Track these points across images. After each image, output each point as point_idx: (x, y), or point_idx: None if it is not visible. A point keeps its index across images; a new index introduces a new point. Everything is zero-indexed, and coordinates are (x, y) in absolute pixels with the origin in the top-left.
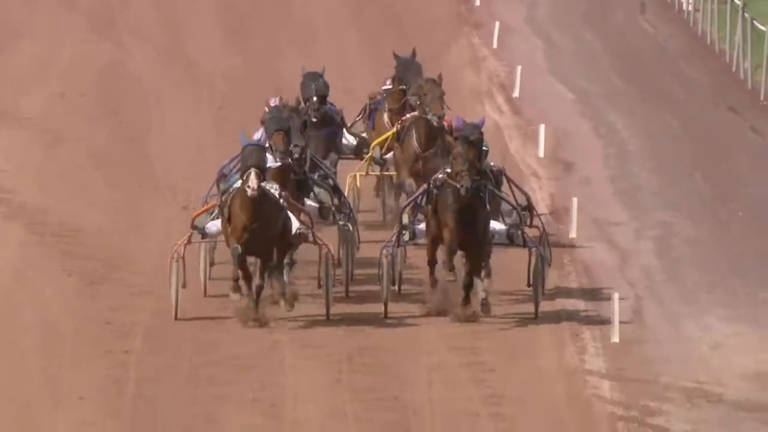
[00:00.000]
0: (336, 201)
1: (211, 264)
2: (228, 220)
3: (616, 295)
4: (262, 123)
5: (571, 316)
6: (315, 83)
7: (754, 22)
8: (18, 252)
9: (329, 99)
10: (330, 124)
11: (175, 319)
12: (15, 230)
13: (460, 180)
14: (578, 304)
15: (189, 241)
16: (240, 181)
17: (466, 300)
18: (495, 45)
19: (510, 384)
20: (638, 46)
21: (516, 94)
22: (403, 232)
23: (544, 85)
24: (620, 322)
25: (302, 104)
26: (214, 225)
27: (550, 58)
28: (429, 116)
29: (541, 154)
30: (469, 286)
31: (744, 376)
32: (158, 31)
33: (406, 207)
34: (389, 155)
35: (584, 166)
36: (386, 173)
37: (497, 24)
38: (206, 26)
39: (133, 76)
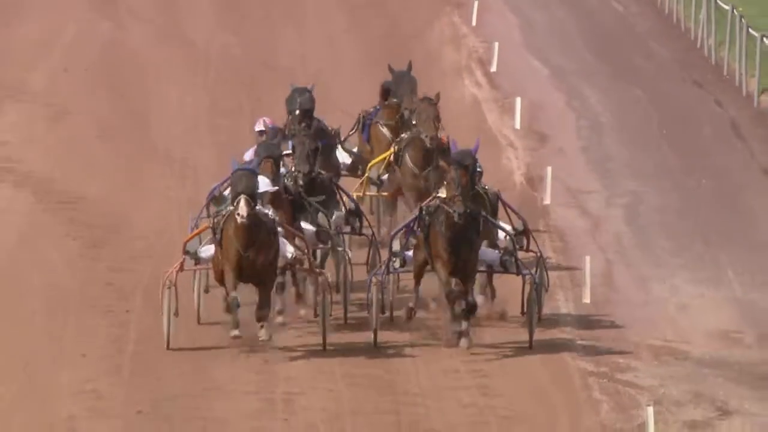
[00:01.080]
0: (357, 223)
1: (206, 290)
2: (220, 244)
3: (587, 259)
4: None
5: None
6: (300, 97)
7: (718, 1)
8: (25, 218)
9: (322, 116)
10: (321, 138)
11: (167, 348)
12: (22, 198)
13: (453, 205)
14: (549, 265)
15: (182, 268)
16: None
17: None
18: (474, 23)
19: (486, 342)
20: (609, 25)
21: (494, 69)
22: (393, 259)
23: (520, 61)
24: (591, 284)
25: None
26: (208, 250)
27: (526, 35)
28: (423, 136)
29: (518, 125)
30: (466, 311)
31: (708, 334)
32: (156, 10)
33: (397, 233)
34: (386, 176)
35: (558, 137)
36: (384, 194)
37: (476, 3)
38: (202, 5)
39: (133, 52)
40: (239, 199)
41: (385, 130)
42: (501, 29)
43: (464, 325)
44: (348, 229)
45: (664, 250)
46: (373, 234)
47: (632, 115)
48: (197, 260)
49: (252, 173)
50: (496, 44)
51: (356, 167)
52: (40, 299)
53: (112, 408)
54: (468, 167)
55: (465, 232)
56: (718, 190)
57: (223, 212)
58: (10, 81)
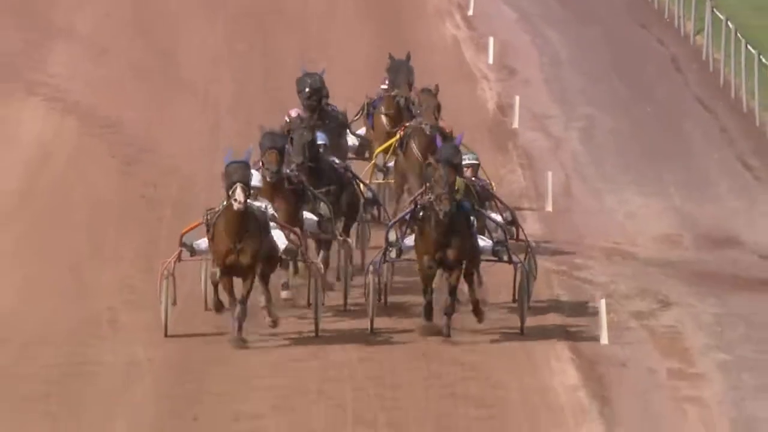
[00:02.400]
0: (375, 212)
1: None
2: (212, 239)
3: (549, 174)
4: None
5: (514, 188)
6: (311, 79)
7: None
8: (71, 140)
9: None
10: (331, 122)
11: (165, 336)
12: (70, 123)
13: (439, 204)
14: (519, 181)
15: (179, 258)
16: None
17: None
18: None
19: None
20: None
21: (470, 13)
22: (390, 249)
23: (493, 6)
24: (553, 196)
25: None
26: (204, 242)
27: None
28: (423, 125)
29: (491, 61)
30: (451, 304)
31: (652, 238)
32: None
33: (393, 224)
34: (392, 164)
35: (524, 70)
36: (390, 181)
37: None
38: None
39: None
40: (235, 187)
41: (384, 120)
42: None
43: (444, 319)
44: (368, 217)
45: (615, 167)
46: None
47: (587, 53)
48: (193, 252)
49: (245, 165)
50: None
51: (363, 150)
52: (85, 210)
53: (146, 301)
54: (457, 166)
55: (453, 229)
56: (660, 115)
57: (216, 209)
58: (61, 24)
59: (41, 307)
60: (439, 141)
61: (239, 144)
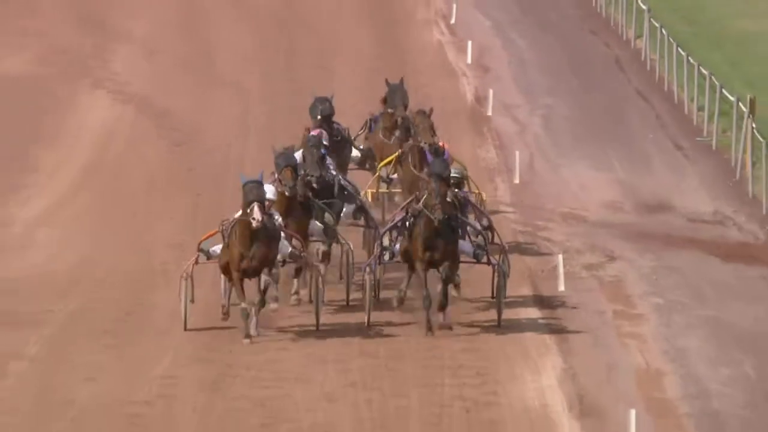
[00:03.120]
0: (361, 218)
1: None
2: (227, 245)
3: (517, 153)
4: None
5: (488, 164)
6: (322, 105)
7: None
8: (130, 125)
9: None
10: (338, 137)
11: (185, 330)
12: (128, 110)
13: (433, 212)
14: (492, 158)
15: (196, 262)
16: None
17: (440, 308)
18: None
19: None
20: None
21: (452, 21)
22: (384, 252)
23: (471, 16)
24: (519, 170)
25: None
26: (218, 248)
27: None
28: (422, 144)
29: (469, 61)
30: (444, 299)
31: (600, 204)
32: None
33: (386, 231)
34: (395, 175)
35: (496, 68)
36: (393, 191)
37: None
38: None
39: (205, 9)
40: (253, 206)
41: (380, 134)
42: None
43: (441, 317)
44: (359, 222)
45: (569, 146)
46: (376, 227)
47: (547, 54)
48: (209, 257)
49: (260, 184)
50: (455, 4)
51: (364, 161)
52: (141, 180)
53: (190, 255)
54: (447, 179)
55: (443, 234)
56: (606, 104)
57: (231, 220)
58: (121, 30)
59: (107, 257)
60: (429, 156)
61: (266, 123)
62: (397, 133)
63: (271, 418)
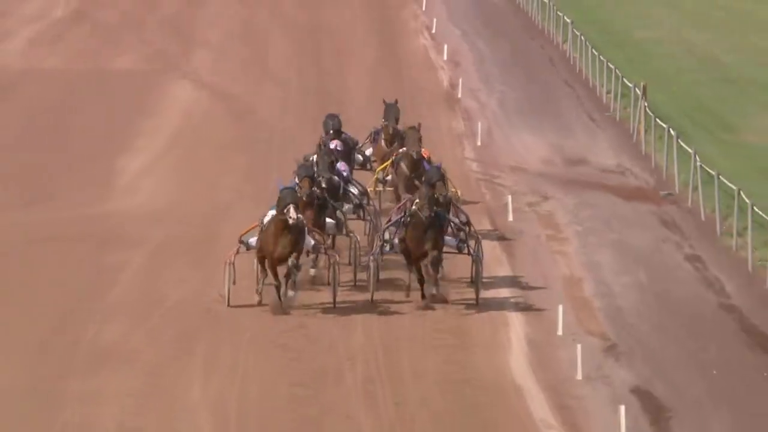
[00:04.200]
0: (361, 213)
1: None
2: (263, 238)
3: (479, 123)
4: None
5: (458, 132)
6: (332, 121)
7: None
8: (205, 105)
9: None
10: (347, 147)
11: (228, 306)
12: (204, 94)
13: (422, 210)
14: (461, 128)
15: (237, 251)
16: (273, 212)
17: (428, 289)
18: (423, 8)
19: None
20: (490, 9)
21: (433, 31)
22: (385, 244)
23: (446, 28)
24: (481, 137)
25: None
26: (255, 240)
27: (450, 15)
28: (412, 153)
29: (445, 58)
30: (434, 275)
31: (537, 160)
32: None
33: (387, 226)
34: (389, 177)
35: (464, 64)
36: (388, 189)
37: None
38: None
39: (258, 22)
40: (289, 207)
41: (382, 143)
42: (438, 12)
43: (433, 289)
44: (355, 216)
45: (517, 119)
46: (372, 220)
47: (500, 54)
48: (248, 247)
49: (294, 190)
50: (435, 19)
51: (365, 164)
52: (211, 146)
53: (253, 197)
54: (435, 185)
55: (431, 229)
56: (542, 90)
57: (268, 217)
58: (200, 37)
59: (188, 199)
60: (427, 165)
61: (300, 105)
62: (395, 143)
63: (308, 318)
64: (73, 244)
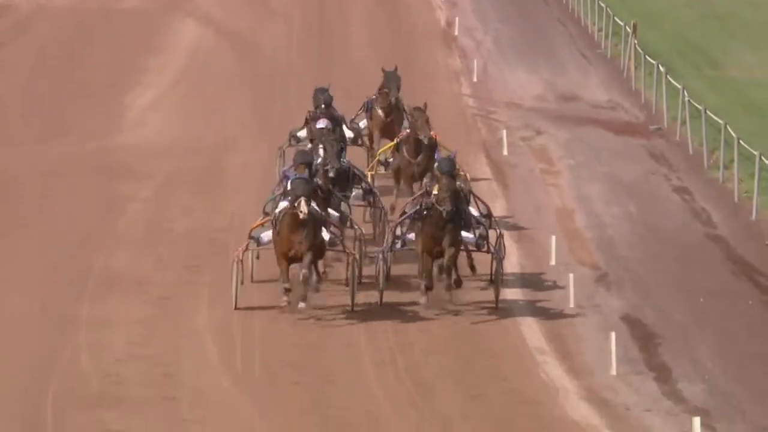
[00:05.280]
0: (369, 200)
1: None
2: (278, 233)
3: (475, 60)
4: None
5: (455, 69)
6: (323, 95)
7: None
8: (211, 41)
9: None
10: (335, 121)
11: (235, 308)
12: (209, 32)
13: (443, 204)
14: (458, 65)
15: (247, 248)
16: (285, 203)
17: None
18: None
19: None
20: None
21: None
22: (396, 241)
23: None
24: (477, 73)
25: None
26: (267, 235)
27: None
28: (420, 136)
29: (456, 32)
30: (448, 281)
31: (531, 97)
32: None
33: (400, 221)
34: (391, 159)
35: (461, 3)
36: (388, 172)
37: None
38: None
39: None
40: (300, 200)
41: (379, 111)
42: None
43: (449, 295)
44: (365, 203)
45: (512, 56)
46: (382, 207)
47: (501, 11)
48: (259, 243)
49: (306, 180)
50: None
51: (357, 140)
52: (217, 80)
53: (266, 121)
54: (455, 176)
55: (451, 224)
56: (536, 28)
57: (282, 210)
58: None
59: (195, 132)
60: (438, 154)
61: (304, 41)
62: (393, 113)
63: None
64: (85, 176)
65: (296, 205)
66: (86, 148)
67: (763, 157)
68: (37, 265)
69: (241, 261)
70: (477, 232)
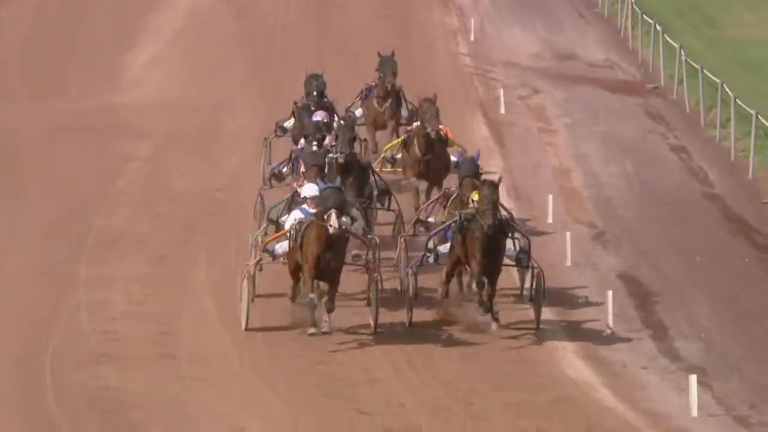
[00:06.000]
0: (386, 201)
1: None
2: (300, 247)
3: (472, 19)
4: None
5: (452, 27)
6: (316, 81)
7: None
8: (209, 1)
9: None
10: (330, 110)
11: (245, 329)
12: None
13: (483, 217)
14: (455, 23)
15: (259, 261)
16: (300, 213)
17: (486, 312)
18: None
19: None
20: None
21: None
22: (428, 255)
23: None
24: (474, 32)
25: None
26: (281, 247)
27: None
28: (428, 130)
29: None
30: (489, 305)
31: (528, 55)
32: None
33: (433, 235)
34: (399, 156)
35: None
36: (396, 170)
37: None
38: None
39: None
40: (330, 213)
41: (375, 102)
42: None
43: (491, 312)
44: (378, 205)
45: (509, 15)
46: (399, 209)
47: None
48: (274, 257)
49: (339, 190)
50: None
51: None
52: (215, 40)
53: (265, 76)
54: (498, 186)
55: (494, 239)
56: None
57: (304, 220)
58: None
59: (194, 91)
60: (458, 157)
61: (303, 4)
62: (390, 101)
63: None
64: (84, 135)
65: (326, 218)
66: (85, 107)
67: (759, 116)
68: (36, 223)
69: (253, 277)
70: (518, 244)
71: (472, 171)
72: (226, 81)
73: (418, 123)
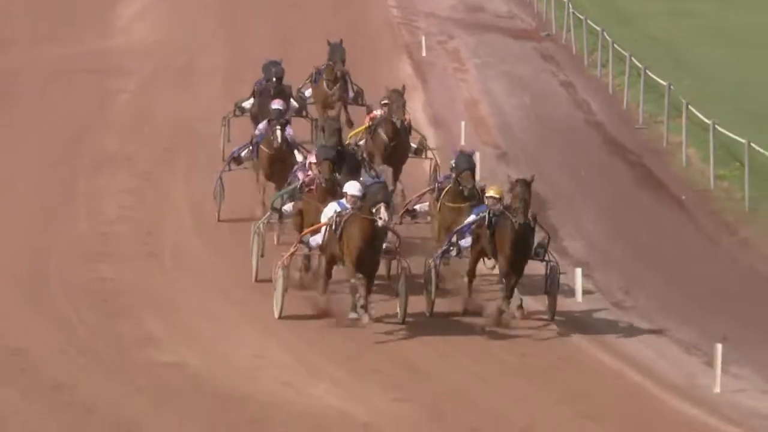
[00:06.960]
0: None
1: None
2: (340, 238)
3: None
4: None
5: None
6: (275, 68)
7: None
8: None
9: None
10: (285, 96)
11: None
12: None
13: (515, 215)
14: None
15: (294, 252)
16: (342, 204)
17: (506, 307)
18: None
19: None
20: None
21: None
22: (451, 248)
23: None
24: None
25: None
26: (315, 240)
27: None
28: (394, 119)
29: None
30: (509, 298)
31: (446, 7)
32: None
33: (458, 230)
34: (362, 142)
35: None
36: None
37: None
38: None
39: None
40: (380, 207)
41: (324, 84)
42: None
43: (512, 304)
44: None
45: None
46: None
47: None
48: (310, 249)
49: (386, 186)
50: None
51: (301, 111)
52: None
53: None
54: (530, 185)
55: (523, 236)
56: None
57: (344, 212)
58: None
59: (180, 37)
60: (454, 150)
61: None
62: (338, 85)
63: None
64: (79, 75)
65: (375, 211)
66: (79, 50)
67: (633, 58)
68: (41, 147)
69: (288, 267)
70: (536, 239)
71: (469, 165)
72: (201, 30)
73: (383, 112)
